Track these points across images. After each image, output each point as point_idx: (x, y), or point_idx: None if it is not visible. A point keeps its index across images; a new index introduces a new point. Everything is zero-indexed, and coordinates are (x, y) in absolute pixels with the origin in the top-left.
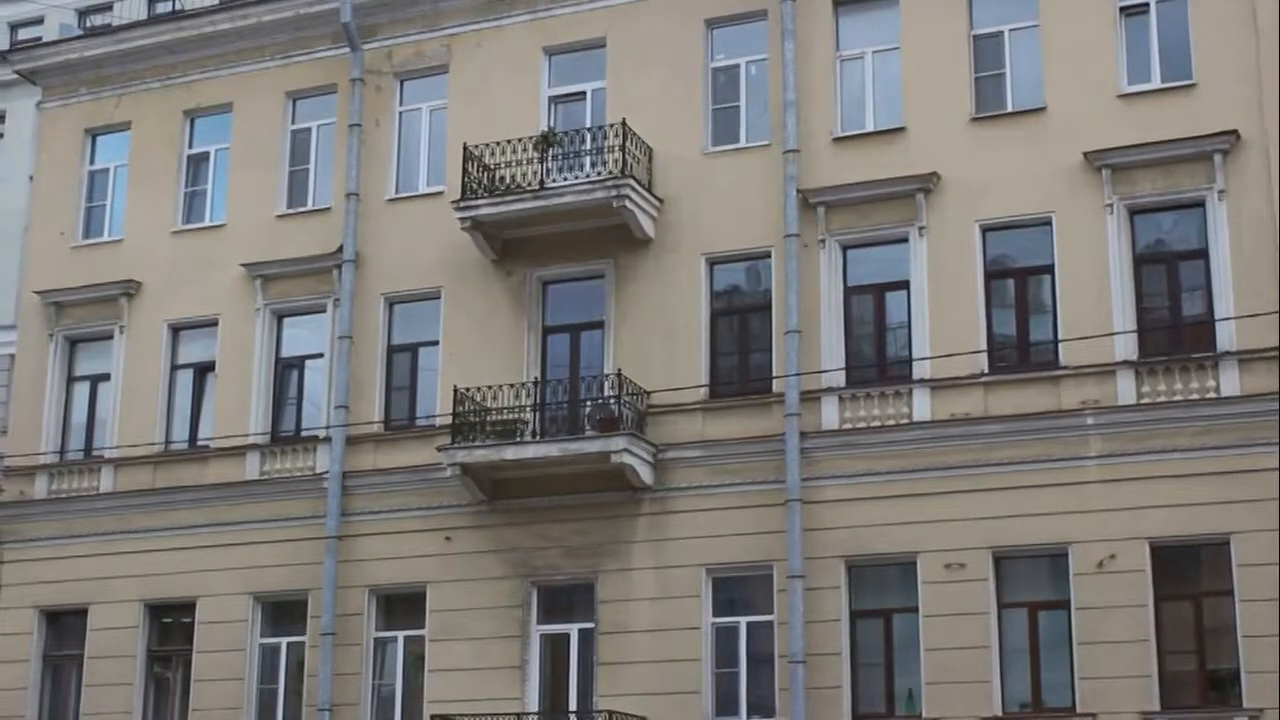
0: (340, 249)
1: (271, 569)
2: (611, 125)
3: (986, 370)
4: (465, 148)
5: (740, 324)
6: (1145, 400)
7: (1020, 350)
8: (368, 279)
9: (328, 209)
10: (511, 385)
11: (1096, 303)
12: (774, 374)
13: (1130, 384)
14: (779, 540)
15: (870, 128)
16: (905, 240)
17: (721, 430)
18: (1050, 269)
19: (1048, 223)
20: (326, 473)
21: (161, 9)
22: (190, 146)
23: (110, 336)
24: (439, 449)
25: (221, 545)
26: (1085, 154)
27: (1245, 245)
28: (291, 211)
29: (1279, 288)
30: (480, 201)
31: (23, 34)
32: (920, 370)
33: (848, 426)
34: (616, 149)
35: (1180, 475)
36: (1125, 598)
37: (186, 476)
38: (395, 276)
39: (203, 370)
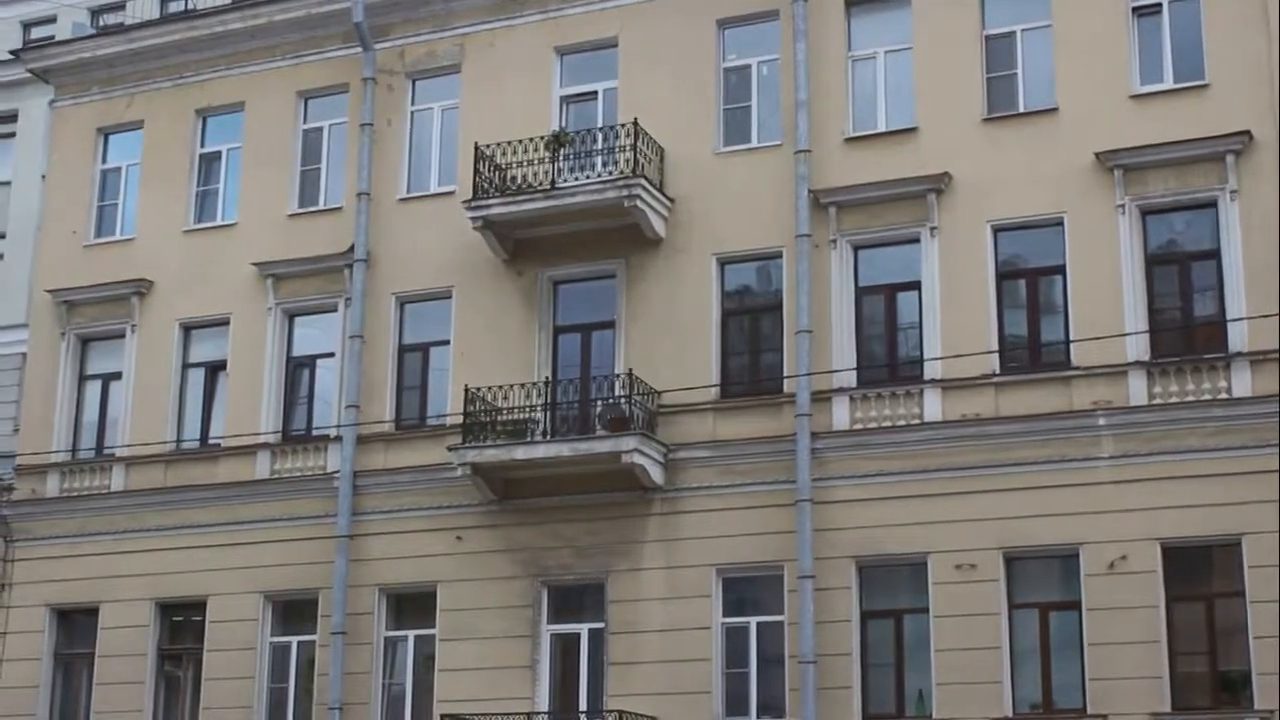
0: (351, 248)
1: (282, 568)
2: (623, 125)
3: (998, 371)
4: (477, 147)
5: (751, 324)
6: (1157, 401)
7: (1031, 351)
8: (379, 278)
9: (339, 208)
10: (522, 385)
11: (1108, 303)
12: (785, 374)
13: (1142, 385)
14: (789, 540)
15: (882, 128)
16: (917, 240)
17: (732, 430)
18: (1062, 269)
19: (1059, 223)
20: (337, 472)
21: (174, 8)
22: (202, 146)
23: (122, 335)
24: (450, 448)
25: (232, 544)
26: (1097, 154)
27: (1257, 246)
28: (303, 211)
29: None
30: (491, 201)
31: (35, 33)
32: (931, 370)
33: (859, 427)
34: (628, 149)
35: (1192, 476)
36: (1136, 599)
37: (197, 475)
38: (406, 276)
39: (214, 369)
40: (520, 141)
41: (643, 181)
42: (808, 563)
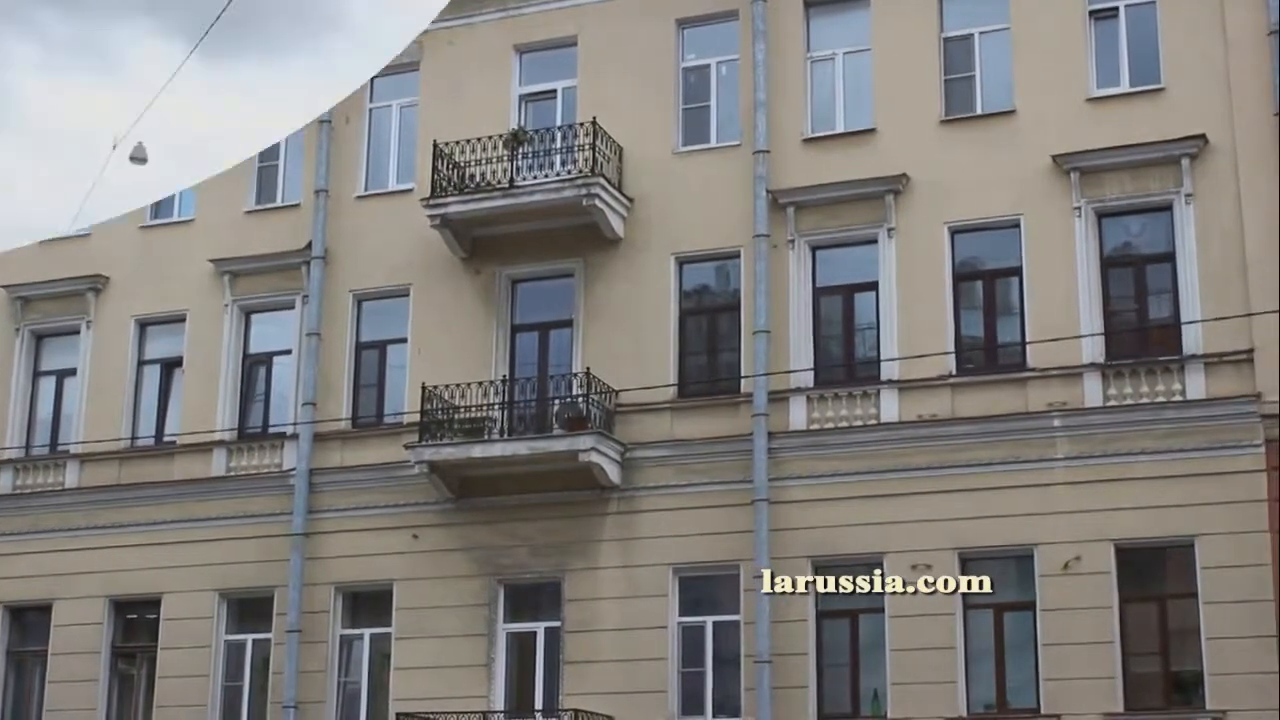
0: (309, 245)
1: (237, 566)
2: (582, 124)
3: (954, 371)
4: (435, 145)
5: (709, 324)
6: (1112, 403)
7: (988, 352)
8: (336, 276)
9: (297, 205)
10: (480, 383)
11: (1064, 305)
12: (742, 374)
13: (1097, 386)
14: (746, 540)
15: (840, 129)
16: (874, 241)
17: (689, 430)
18: (1018, 271)
19: (1016, 225)
20: (293, 470)
21: None
22: None
23: (77, 331)
24: (406, 447)
25: (187, 542)
26: (1054, 157)
27: (1212, 249)
28: (260, 207)
29: (1245, 292)
30: (450, 199)
31: None
32: (888, 371)
33: (815, 427)
34: (587, 148)
35: (1146, 478)
36: (1090, 599)
37: (152, 473)
38: (364, 273)
39: (170, 366)
40: (479, 140)
41: (601, 181)
42: (764, 562)
